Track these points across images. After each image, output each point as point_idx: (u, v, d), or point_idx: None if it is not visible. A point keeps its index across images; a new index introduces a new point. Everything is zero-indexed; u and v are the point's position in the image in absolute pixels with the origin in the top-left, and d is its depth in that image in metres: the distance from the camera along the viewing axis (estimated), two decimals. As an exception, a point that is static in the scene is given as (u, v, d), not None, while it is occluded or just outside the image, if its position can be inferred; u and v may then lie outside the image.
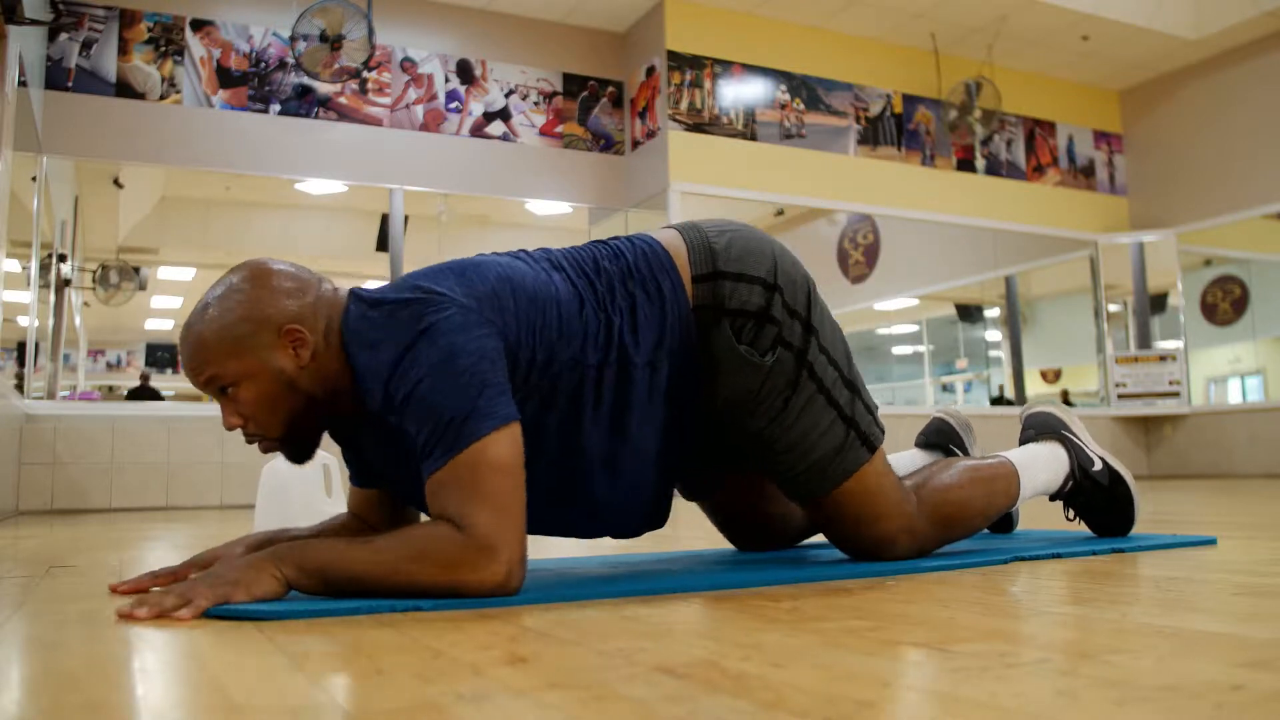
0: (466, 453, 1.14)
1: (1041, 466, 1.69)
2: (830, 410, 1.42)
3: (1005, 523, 1.93)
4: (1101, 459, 1.74)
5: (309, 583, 1.13)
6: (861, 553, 1.47)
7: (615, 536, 1.44)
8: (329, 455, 1.76)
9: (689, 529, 2.73)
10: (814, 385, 1.40)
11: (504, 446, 1.16)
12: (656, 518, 1.45)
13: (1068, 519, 1.79)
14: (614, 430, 1.33)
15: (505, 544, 1.12)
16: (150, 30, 5.23)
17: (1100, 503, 1.74)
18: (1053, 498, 1.74)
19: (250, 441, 1.29)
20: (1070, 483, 1.72)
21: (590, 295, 1.33)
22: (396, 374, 1.19)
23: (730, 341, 1.36)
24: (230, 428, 1.27)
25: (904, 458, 1.92)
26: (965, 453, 1.92)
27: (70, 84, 5.02)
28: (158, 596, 1.08)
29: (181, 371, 1.31)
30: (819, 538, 1.82)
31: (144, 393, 6.34)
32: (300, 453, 1.32)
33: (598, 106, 6.22)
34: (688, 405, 1.39)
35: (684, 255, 1.40)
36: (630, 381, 1.32)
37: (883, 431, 1.48)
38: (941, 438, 1.96)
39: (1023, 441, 1.79)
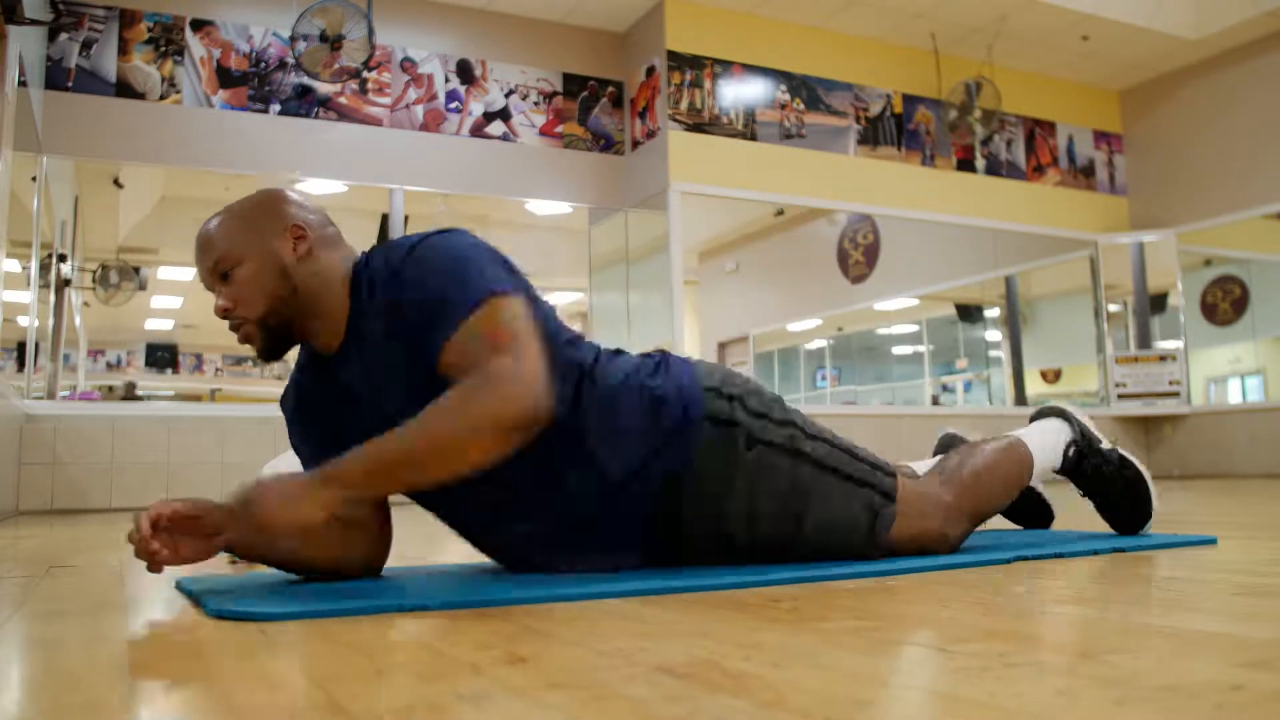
0: (482, 308, 1.22)
1: (1044, 435, 1.76)
2: (832, 478, 1.44)
3: (1044, 515, 1.97)
4: (1112, 445, 1.79)
5: (355, 490, 1.18)
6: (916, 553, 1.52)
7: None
8: (329, 455, 1.76)
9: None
10: (810, 465, 1.43)
11: (519, 305, 1.25)
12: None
13: (1080, 494, 1.81)
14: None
15: (527, 373, 1.18)
16: (150, 30, 5.23)
17: (1111, 482, 1.76)
18: (1060, 470, 1.78)
19: (233, 328, 1.35)
20: (1072, 447, 1.76)
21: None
22: (419, 246, 1.30)
23: (704, 454, 1.40)
24: (221, 312, 1.34)
25: (920, 467, 1.95)
26: None
27: (70, 84, 5.02)
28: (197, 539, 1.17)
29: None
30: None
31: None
32: (271, 347, 1.37)
33: (598, 106, 6.22)
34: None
35: None
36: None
37: (889, 473, 1.50)
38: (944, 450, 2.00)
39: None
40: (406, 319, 1.28)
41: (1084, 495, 1.82)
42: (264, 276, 1.34)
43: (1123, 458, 1.77)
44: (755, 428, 1.41)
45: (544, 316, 1.35)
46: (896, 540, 1.48)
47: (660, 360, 1.46)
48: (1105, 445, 1.79)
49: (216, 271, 1.35)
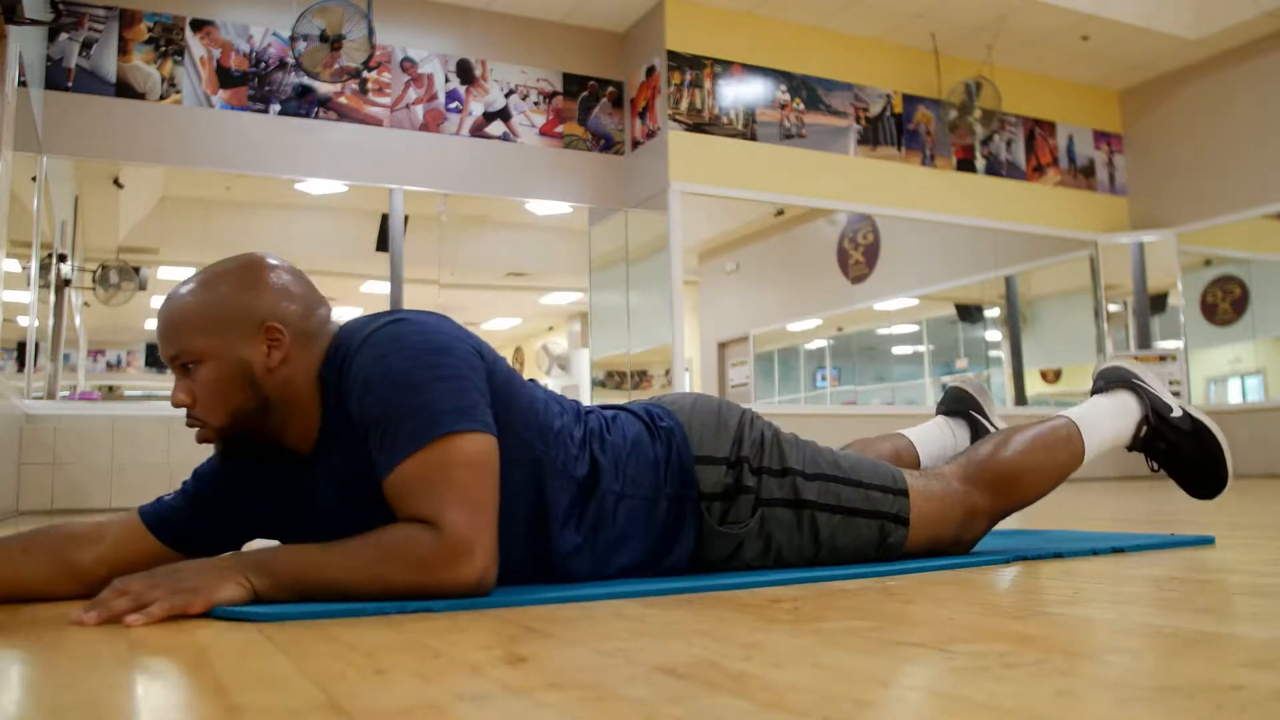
0: (439, 445, 1.10)
1: (1106, 417, 1.64)
2: (836, 515, 1.42)
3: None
4: (1183, 409, 1.67)
5: (279, 592, 1.08)
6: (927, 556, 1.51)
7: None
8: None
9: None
10: (812, 509, 1.41)
11: (480, 444, 1.12)
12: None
13: (1151, 469, 1.72)
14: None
15: (480, 544, 1.09)
16: (150, 30, 5.23)
17: (1185, 451, 1.66)
18: (1131, 447, 1.68)
19: (190, 425, 1.24)
20: (1144, 428, 1.66)
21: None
22: (381, 360, 1.15)
23: (712, 526, 1.37)
24: (176, 404, 1.22)
25: (929, 427, 1.93)
26: (984, 415, 1.91)
27: (70, 84, 5.02)
28: (109, 598, 1.04)
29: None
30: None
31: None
32: (233, 451, 1.26)
33: (598, 106, 6.22)
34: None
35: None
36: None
37: (899, 492, 1.46)
38: (960, 404, 1.98)
39: (1091, 394, 1.74)
40: (361, 429, 1.17)
41: (1155, 470, 1.72)
42: (228, 385, 1.21)
43: (1196, 425, 1.65)
44: (758, 489, 1.38)
45: (523, 416, 1.25)
46: (909, 550, 1.48)
47: (651, 435, 1.38)
48: (1176, 413, 1.65)
49: (175, 363, 1.23)
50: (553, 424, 1.29)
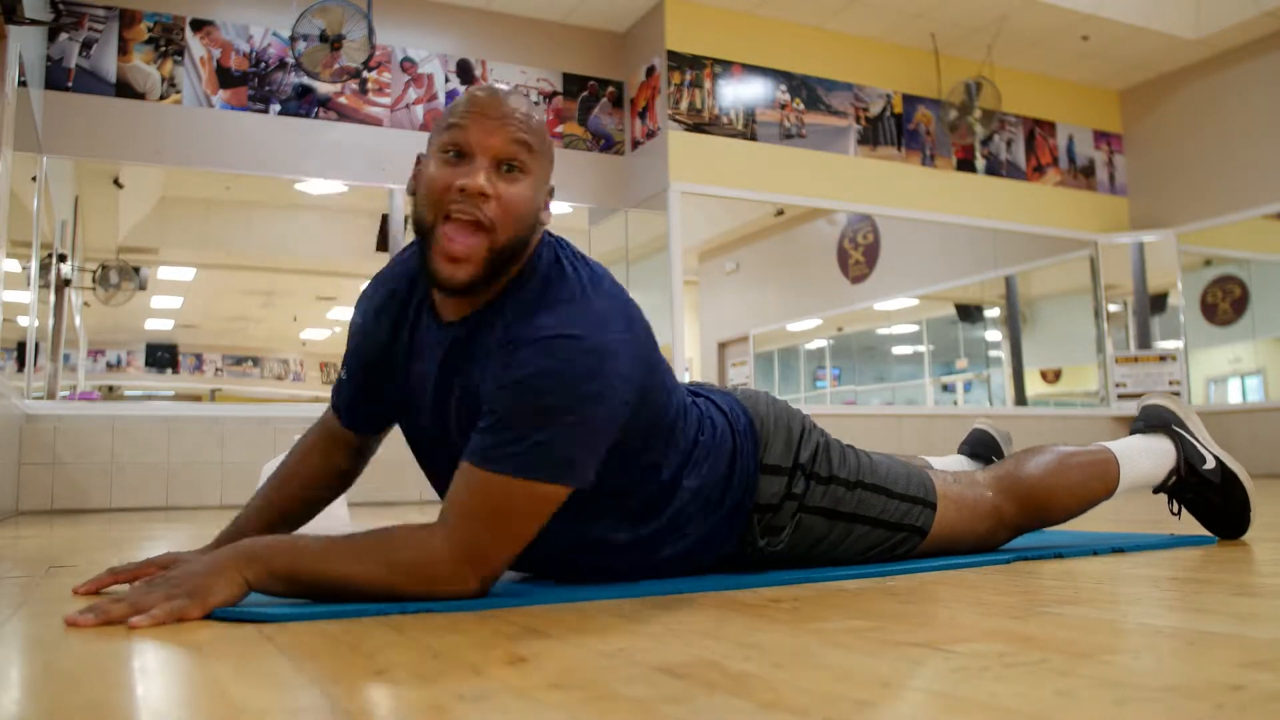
0: (525, 482, 1.08)
1: (1145, 457, 1.66)
2: (863, 525, 1.43)
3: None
4: (1215, 456, 1.69)
5: (277, 586, 1.07)
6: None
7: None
8: (329, 455, 1.76)
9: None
10: (845, 520, 1.41)
11: (556, 495, 1.10)
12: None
13: (1172, 513, 1.75)
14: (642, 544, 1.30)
15: (490, 568, 1.10)
16: (150, 30, 5.23)
17: (1212, 502, 1.70)
18: (1157, 490, 1.71)
19: (470, 219, 1.12)
20: (1174, 478, 1.68)
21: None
22: (537, 376, 1.08)
23: (754, 537, 1.37)
24: (477, 191, 1.11)
25: (949, 462, 1.94)
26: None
27: (70, 84, 5.02)
28: (106, 604, 1.03)
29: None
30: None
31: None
32: (484, 275, 1.15)
33: (598, 106, 6.22)
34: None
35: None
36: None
37: (929, 504, 1.47)
38: (983, 449, 1.98)
39: (1132, 432, 1.77)
40: (485, 388, 1.13)
41: (1175, 514, 1.76)
42: (530, 210, 1.15)
43: (1226, 475, 1.68)
44: (803, 496, 1.38)
45: (648, 440, 1.23)
46: (923, 550, 1.49)
47: (731, 436, 1.35)
48: (1209, 464, 1.68)
49: (506, 152, 1.13)
50: (675, 435, 1.28)
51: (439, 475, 1.30)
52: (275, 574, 1.07)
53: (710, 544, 1.35)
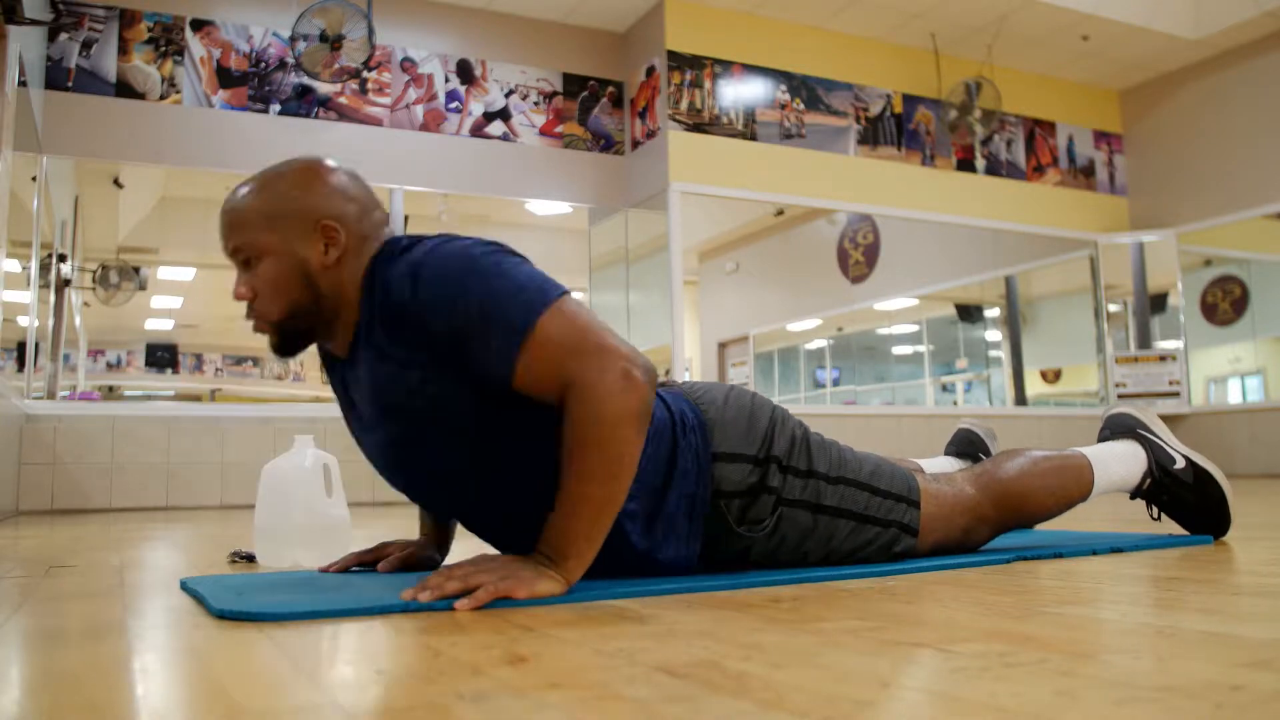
0: (545, 317, 1.14)
1: (1116, 461, 1.69)
2: (851, 522, 1.43)
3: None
4: (1185, 456, 1.71)
5: (584, 564, 1.14)
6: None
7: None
8: (329, 455, 1.76)
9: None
10: (830, 514, 1.41)
11: (571, 303, 1.17)
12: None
13: (1152, 518, 1.78)
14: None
15: (621, 356, 1.14)
16: (150, 30, 5.23)
17: (1188, 501, 1.71)
18: (1133, 495, 1.73)
19: (249, 317, 1.29)
20: (1149, 480, 1.70)
21: None
22: (427, 267, 1.18)
23: (729, 525, 1.36)
24: (238, 298, 1.28)
25: (937, 464, 1.95)
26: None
27: (70, 84, 5.02)
28: (438, 580, 1.10)
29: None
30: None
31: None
32: (287, 346, 1.31)
33: (598, 106, 6.22)
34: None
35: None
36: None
37: (913, 503, 1.47)
38: (970, 447, 1.99)
39: (1099, 440, 1.79)
40: (426, 342, 1.19)
41: (1155, 518, 1.78)
42: (286, 279, 1.26)
43: (1199, 474, 1.70)
44: (781, 489, 1.37)
45: None
46: (914, 552, 1.49)
47: (672, 429, 1.35)
48: (1179, 464, 1.70)
49: (236, 257, 1.28)
50: None
51: (403, 477, 1.35)
52: (582, 557, 1.14)
53: (678, 535, 1.33)
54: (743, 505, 1.35)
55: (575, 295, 1.20)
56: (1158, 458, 1.71)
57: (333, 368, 1.38)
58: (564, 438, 1.14)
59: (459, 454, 1.25)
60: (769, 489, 1.36)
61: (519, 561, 1.14)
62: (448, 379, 1.20)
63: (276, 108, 5.43)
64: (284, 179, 1.28)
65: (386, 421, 1.25)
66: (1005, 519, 1.56)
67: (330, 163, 1.32)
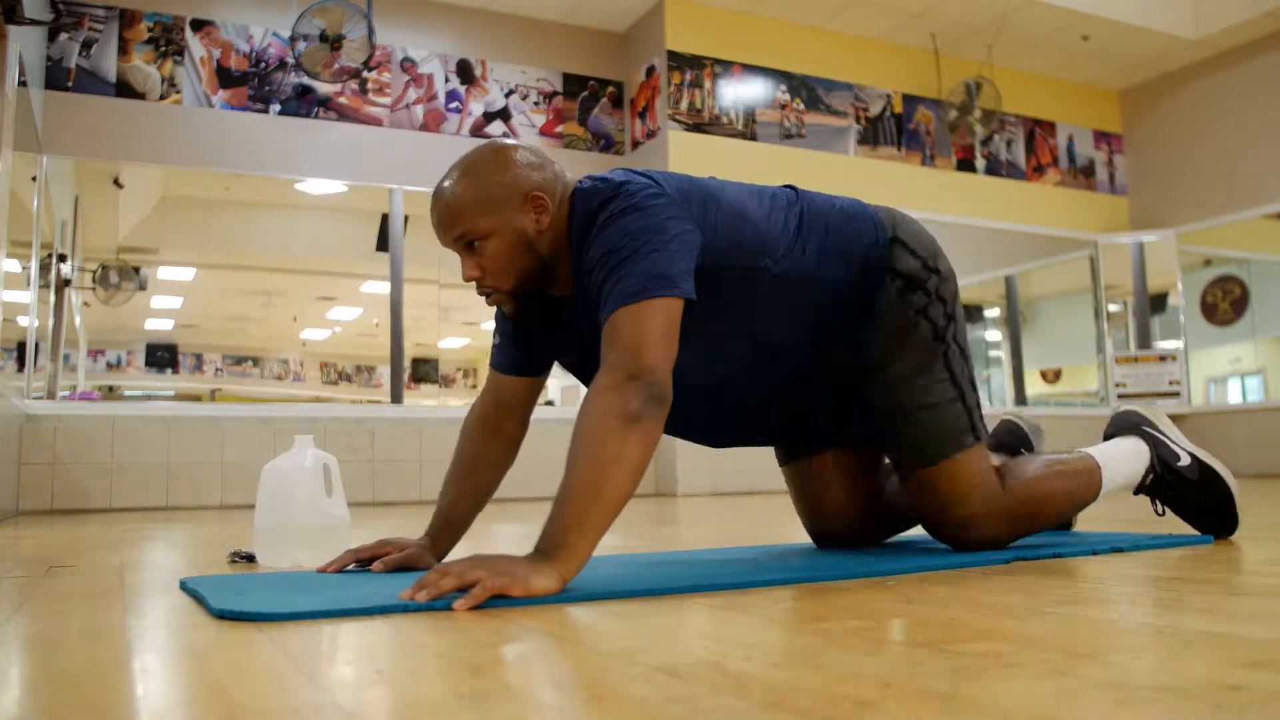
0: (636, 305, 1.27)
1: (1121, 459, 1.70)
2: (955, 392, 1.55)
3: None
4: (1192, 455, 1.71)
5: (582, 560, 1.17)
6: (943, 530, 1.57)
7: (711, 442, 1.67)
8: (329, 455, 1.76)
9: (690, 529, 2.73)
10: (944, 366, 1.55)
11: (662, 307, 1.29)
12: (752, 434, 1.68)
13: (1156, 514, 1.77)
14: (754, 337, 1.50)
15: (660, 366, 1.25)
16: (150, 30, 5.23)
17: (1193, 498, 1.71)
18: (1136, 491, 1.73)
19: (481, 292, 1.44)
20: (1151, 475, 1.71)
21: (786, 218, 1.52)
22: (608, 220, 1.35)
23: (892, 294, 1.54)
24: (469, 279, 1.42)
25: None
26: (1034, 453, 1.91)
27: (70, 84, 5.02)
28: (434, 578, 1.11)
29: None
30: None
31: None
32: (521, 307, 1.46)
33: (598, 106, 6.22)
34: (835, 344, 1.56)
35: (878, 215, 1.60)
36: (790, 292, 1.49)
37: (980, 437, 1.57)
38: (1012, 439, 1.98)
39: (1105, 439, 1.80)
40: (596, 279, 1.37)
41: (1160, 514, 1.78)
42: (513, 252, 1.40)
43: (1204, 471, 1.70)
44: (929, 302, 1.55)
45: (737, 248, 1.44)
46: (942, 476, 1.53)
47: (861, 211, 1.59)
48: (1184, 461, 1.70)
49: (461, 243, 1.41)
50: (769, 239, 1.49)
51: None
52: (579, 553, 1.17)
53: (847, 262, 1.52)
54: (900, 288, 1.54)
55: (682, 302, 1.31)
56: (1161, 454, 1.71)
57: (545, 303, 1.50)
58: (578, 432, 1.23)
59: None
60: (925, 289, 1.55)
61: (515, 559, 1.16)
62: None
63: (276, 108, 5.43)
64: (484, 164, 1.42)
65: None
66: (1012, 526, 1.57)
67: (510, 140, 1.50)
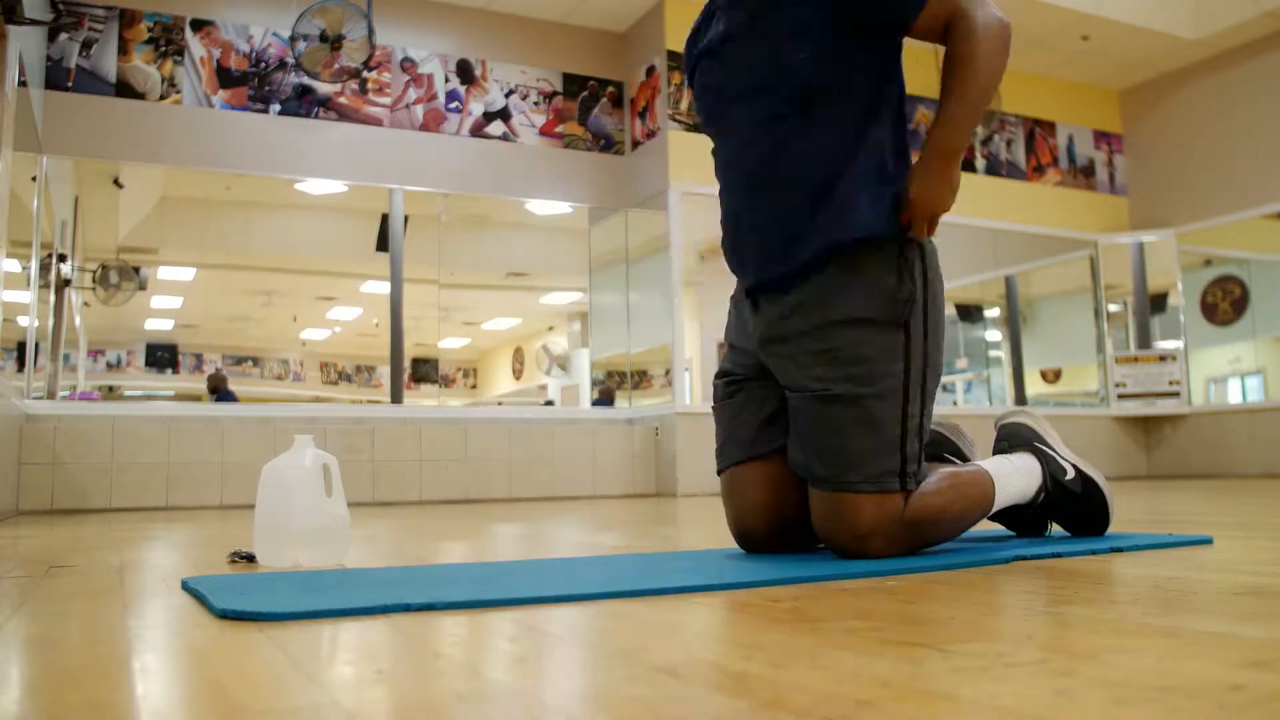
0: None
1: (1015, 476, 1.70)
2: (898, 424, 1.53)
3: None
4: (1074, 466, 1.75)
5: (967, 137, 1.63)
6: (839, 547, 1.53)
7: (735, 263, 1.75)
8: (329, 455, 1.76)
9: (690, 528, 2.73)
10: (900, 386, 1.55)
11: None
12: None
13: (1045, 534, 1.81)
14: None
15: (999, 12, 1.54)
16: (150, 30, 5.23)
17: (1076, 511, 1.76)
18: (1028, 509, 1.75)
19: None
20: (1043, 494, 1.73)
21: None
22: None
23: (890, 257, 1.66)
24: None
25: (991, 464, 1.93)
26: (963, 458, 1.90)
27: (70, 84, 5.02)
28: (920, 225, 1.66)
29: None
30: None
31: (222, 395, 6.25)
32: None
33: (598, 106, 6.22)
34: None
35: None
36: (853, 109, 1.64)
37: (917, 483, 1.54)
38: (933, 447, 1.95)
39: (995, 452, 1.81)
40: None
41: (1048, 533, 1.82)
42: None
43: (1086, 482, 1.74)
44: (913, 297, 1.64)
45: None
46: (843, 501, 1.51)
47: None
48: (1069, 473, 1.74)
49: None
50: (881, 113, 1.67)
51: None
52: (963, 145, 1.63)
53: (880, 201, 1.63)
54: (899, 263, 1.65)
55: None
56: (1051, 471, 1.74)
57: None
58: (948, 59, 1.53)
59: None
60: (912, 275, 1.65)
61: (943, 177, 1.60)
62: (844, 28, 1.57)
63: (276, 108, 5.43)
64: None
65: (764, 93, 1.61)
66: (909, 540, 1.54)
67: None
